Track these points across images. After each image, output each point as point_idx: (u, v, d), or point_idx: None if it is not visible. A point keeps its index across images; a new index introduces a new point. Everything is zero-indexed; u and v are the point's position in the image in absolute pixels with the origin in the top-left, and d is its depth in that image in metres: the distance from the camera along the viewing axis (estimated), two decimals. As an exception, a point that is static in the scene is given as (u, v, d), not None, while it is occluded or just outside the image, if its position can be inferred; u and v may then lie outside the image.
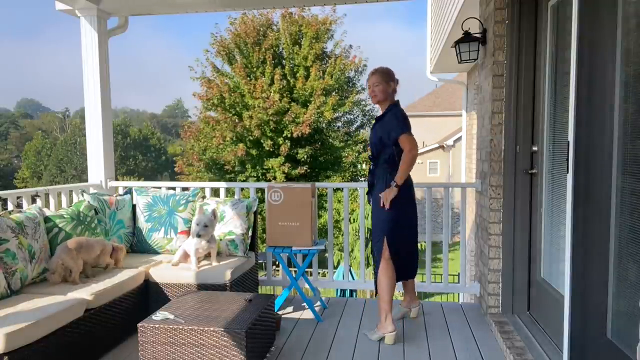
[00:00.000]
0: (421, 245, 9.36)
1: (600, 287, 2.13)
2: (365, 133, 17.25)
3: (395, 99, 3.22)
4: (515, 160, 3.29)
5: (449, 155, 23.45)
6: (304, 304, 3.86)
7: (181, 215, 3.76)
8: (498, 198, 3.35)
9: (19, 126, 53.91)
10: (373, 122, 3.25)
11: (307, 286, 4.04)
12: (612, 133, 2.03)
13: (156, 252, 3.73)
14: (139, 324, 2.55)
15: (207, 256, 3.47)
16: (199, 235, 3.30)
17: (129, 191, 3.99)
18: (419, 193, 3.46)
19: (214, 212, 3.41)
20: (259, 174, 15.28)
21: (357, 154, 15.93)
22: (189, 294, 3.02)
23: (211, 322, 2.53)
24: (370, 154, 3.27)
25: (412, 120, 3.21)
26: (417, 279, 3.65)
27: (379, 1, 4.17)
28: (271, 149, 15.05)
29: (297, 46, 15.50)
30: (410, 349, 3.05)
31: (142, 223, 3.78)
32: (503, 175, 3.32)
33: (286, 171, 14.81)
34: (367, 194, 3.33)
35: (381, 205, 3.06)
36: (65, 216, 3.18)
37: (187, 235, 3.68)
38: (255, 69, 15.35)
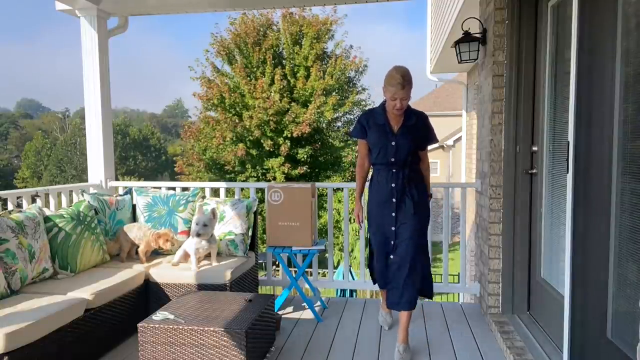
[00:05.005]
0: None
1: (600, 287, 2.13)
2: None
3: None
4: (515, 160, 3.29)
5: (449, 155, 23.47)
6: (304, 304, 3.86)
7: (181, 216, 3.76)
8: (498, 198, 3.35)
9: (19, 126, 53.87)
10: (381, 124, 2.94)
11: (307, 286, 4.03)
12: (612, 133, 2.03)
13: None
14: (139, 324, 2.55)
15: (207, 256, 3.47)
16: (198, 235, 3.30)
17: (129, 191, 3.99)
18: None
19: (213, 211, 3.41)
20: (259, 174, 15.29)
21: (357, 154, 15.90)
22: (189, 294, 3.02)
23: (211, 322, 2.53)
24: (393, 157, 2.91)
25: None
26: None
27: (379, 1, 4.17)
28: (271, 149, 15.05)
29: (297, 46, 15.50)
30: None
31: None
32: (503, 175, 3.32)
33: (286, 171, 14.82)
34: (394, 197, 2.93)
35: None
36: (65, 216, 3.18)
37: (187, 235, 3.68)
38: (255, 69, 15.36)
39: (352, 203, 4.41)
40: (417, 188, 2.96)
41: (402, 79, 2.73)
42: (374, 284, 3.29)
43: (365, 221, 3.15)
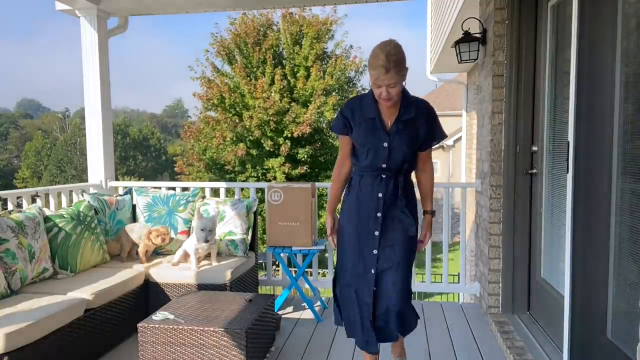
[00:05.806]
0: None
1: (600, 287, 2.13)
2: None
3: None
4: (515, 160, 3.28)
5: (449, 155, 23.47)
6: (304, 304, 3.86)
7: (181, 216, 3.76)
8: (498, 198, 3.35)
9: (19, 126, 53.85)
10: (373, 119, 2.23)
11: (307, 286, 4.03)
12: (612, 133, 2.03)
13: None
14: (139, 324, 2.55)
15: (207, 256, 3.47)
16: (207, 241, 3.27)
17: (129, 191, 3.99)
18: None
19: (216, 214, 3.42)
20: (259, 174, 15.28)
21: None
22: (189, 294, 3.02)
23: (211, 322, 2.53)
24: (386, 161, 2.23)
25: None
26: (417, 279, 3.66)
27: (379, 1, 4.17)
28: (271, 149, 15.05)
29: (297, 46, 15.50)
30: (410, 349, 3.04)
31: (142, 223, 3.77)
32: (503, 175, 3.32)
33: (286, 171, 14.81)
34: (381, 211, 2.25)
35: (425, 237, 2.38)
36: (65, 216, 3.18)
37: (187, 235, 3.68)
38: (255, 69, 15.35)
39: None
40: (409, 201, 2.29)
41: (385, 59, 2.02)
42: (349, 336, 2.39)
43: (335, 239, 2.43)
